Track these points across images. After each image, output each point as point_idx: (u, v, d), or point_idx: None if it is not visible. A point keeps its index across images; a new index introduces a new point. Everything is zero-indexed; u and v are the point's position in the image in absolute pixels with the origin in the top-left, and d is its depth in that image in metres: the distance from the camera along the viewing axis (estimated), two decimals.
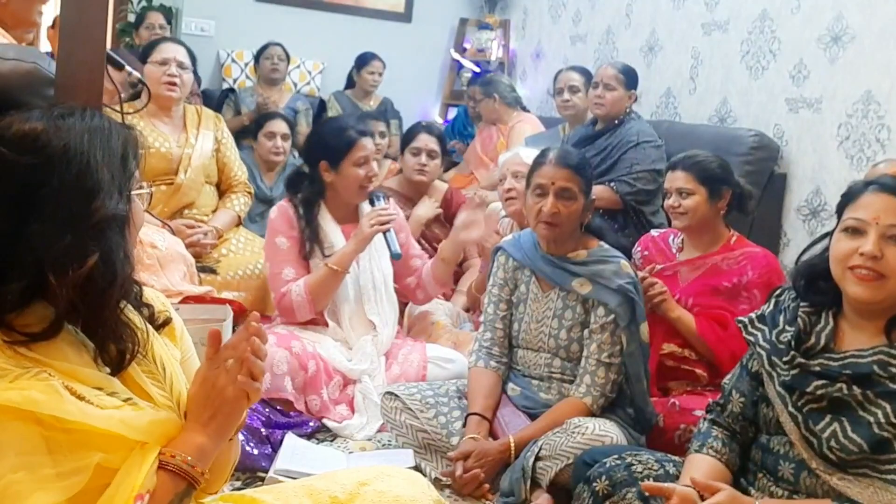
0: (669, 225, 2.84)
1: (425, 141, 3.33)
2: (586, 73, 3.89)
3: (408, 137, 3.40)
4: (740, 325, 1.63)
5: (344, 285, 2.58)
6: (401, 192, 3.35)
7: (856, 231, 1.43)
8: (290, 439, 2.21)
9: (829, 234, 1.52)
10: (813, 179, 3.37)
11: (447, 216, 3.34)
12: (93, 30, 1.21)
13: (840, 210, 1.50)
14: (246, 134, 4.21)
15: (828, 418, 1.43)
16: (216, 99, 4.81)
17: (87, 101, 1.18)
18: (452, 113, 5.60)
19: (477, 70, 5.60)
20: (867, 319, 1.46)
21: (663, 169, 3.34)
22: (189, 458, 1.03)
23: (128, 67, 2.38)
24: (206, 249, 3.06)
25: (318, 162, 2.61)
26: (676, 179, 2.48)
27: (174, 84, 3.07)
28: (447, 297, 3.16)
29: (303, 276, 2.55)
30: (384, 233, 2.54)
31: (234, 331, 2.37)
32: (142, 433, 1.01)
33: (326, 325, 2.60)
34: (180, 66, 3.09)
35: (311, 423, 2.37)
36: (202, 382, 1.09)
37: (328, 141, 2.62)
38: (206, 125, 3.24)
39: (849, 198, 1.48)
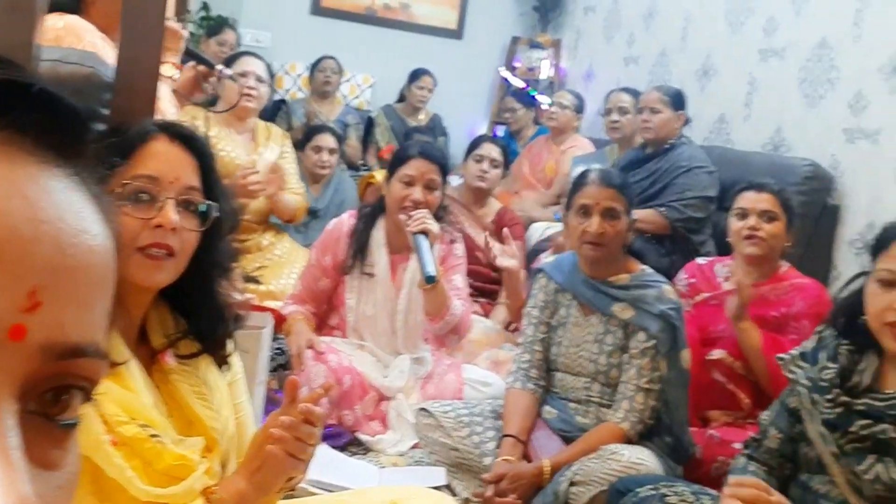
0: (718, 254, 2.76)
1: (489, 149, 3.42)
2: (637, 95, 3.85)
3: (473, 146, 3.52)
4: (780, 361, 1.58)
5: (374, 319, 2.56)
6: (459, 201, 3.39)
7: (890, 284, 1.37)
8: (323, 451, 2.21)
9: (868, 273, 1.45)
10: (868, 213, 3.28)
11: (497, 235, 3.33)
12: (151, 37, 1.24)
13: (875, 253, 1.43)
14: (294, 146, 4.26)
15: (871, 459, 1.39)
16: (268, 109, 4.88)
17: (141, 107, 1.20)
18: (500, 131, 5.60)
19: (523, 86, 5.59)
20: None
21: (715, 196, 3.29)
22: (227, 500, 1.03)
23: (219, 66, 2.46)
24: (254, 194, 2.99)
25: None
26: (762, 201, 2.31)
27: (252, 96, 3.18)
28: (486, 313, 3.14)
29: (307, 298, 2.59)
30: (419, 250, 2.34)
31: (274, 339, 2.40)
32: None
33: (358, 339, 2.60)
34: (259, 79, 3.24)
35: (345, 437, 2.37)
36: (264, 429, 1.08)
37: (395, 152, 2.73)
38: (274, 140, 3.38)
39: (882, 244, 1.41)
